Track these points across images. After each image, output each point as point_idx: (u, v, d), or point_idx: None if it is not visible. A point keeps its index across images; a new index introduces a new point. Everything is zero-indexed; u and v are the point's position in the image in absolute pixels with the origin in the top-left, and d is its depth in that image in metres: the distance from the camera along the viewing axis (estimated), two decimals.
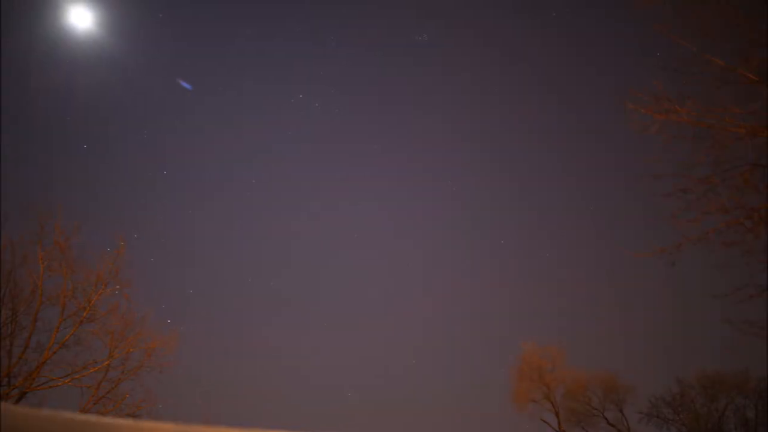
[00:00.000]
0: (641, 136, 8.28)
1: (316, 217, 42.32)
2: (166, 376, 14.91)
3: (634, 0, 8.65)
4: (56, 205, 14.63)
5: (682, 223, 7.93)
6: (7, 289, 13.52)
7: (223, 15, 36.36)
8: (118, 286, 14.73)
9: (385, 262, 44.55)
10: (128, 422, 1.10)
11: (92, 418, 1.06)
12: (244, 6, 36.80)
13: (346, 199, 42.83)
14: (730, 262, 7.81)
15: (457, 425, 34.03)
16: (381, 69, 39.92)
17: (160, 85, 34.50)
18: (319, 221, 43.01)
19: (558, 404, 29.03)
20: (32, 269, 13.89)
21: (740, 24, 7.63)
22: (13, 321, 13.43)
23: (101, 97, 33.21)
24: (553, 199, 42.30)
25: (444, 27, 38.38)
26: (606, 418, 29.09)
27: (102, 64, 27.75)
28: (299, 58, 38.54)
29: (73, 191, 34.03)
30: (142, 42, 31.65)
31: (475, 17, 38.16)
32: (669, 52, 8.16)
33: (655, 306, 40.19)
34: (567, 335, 43.66)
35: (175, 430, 1.11)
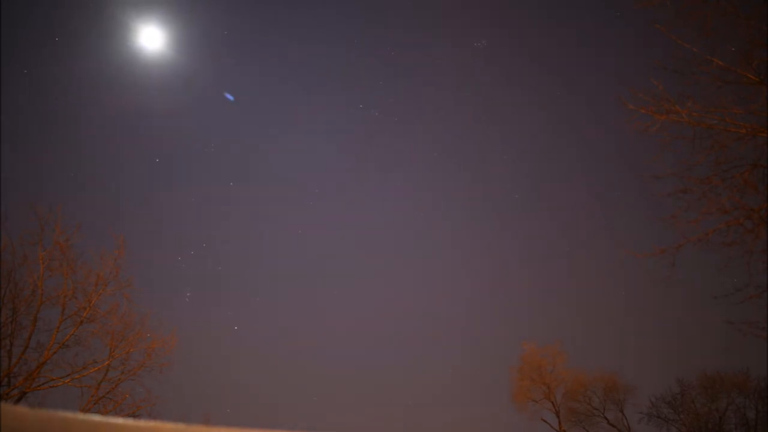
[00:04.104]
0: (641, 136, 8.28)
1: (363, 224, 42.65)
2: (167, 377, 14.90)
3: (634, 0, 8.65)
4: (56, 206, 14.59)
5: (682, 223, 7.93)
6: (7, 289, 13.51)
7: (282, 29, 36.54)
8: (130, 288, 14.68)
9: (386, 261, 44.60)
10: (128, 422, 1.09)
11: (92, 418, 1.06)
12: (304, 19, 37.01)
13: (388, 201, 43.04)
14: (730, 262, 7.81)
15: (457, 424, 34.04)
16: (440, 76, 39.87)
17: (223, 99, 34.86)
18: (353, 226, 43.32)
19: (558, 404, 29.04)
20: (32, 269, 13.87)
21: (740, 24, 7.63)
22: (13, 321, 13.42)
23: (170, 114, 33.60)
24: (554, 200, 42.33)
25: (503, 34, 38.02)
26: (606, 418, 29.09)
27: (172, 81, 28.16)
28: (358, 69, 38.67)
29: (140, 201, 34.72)
30: (207, 58, 31.97)
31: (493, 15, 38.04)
32: (669, 52, 8.16)
33: (656, 306, 40.18)
34: (567, 335, 43.71)
35: (175, 430, 1.11)
